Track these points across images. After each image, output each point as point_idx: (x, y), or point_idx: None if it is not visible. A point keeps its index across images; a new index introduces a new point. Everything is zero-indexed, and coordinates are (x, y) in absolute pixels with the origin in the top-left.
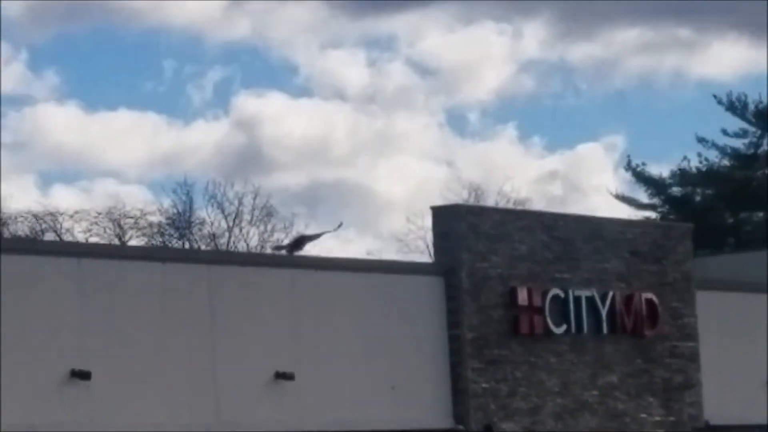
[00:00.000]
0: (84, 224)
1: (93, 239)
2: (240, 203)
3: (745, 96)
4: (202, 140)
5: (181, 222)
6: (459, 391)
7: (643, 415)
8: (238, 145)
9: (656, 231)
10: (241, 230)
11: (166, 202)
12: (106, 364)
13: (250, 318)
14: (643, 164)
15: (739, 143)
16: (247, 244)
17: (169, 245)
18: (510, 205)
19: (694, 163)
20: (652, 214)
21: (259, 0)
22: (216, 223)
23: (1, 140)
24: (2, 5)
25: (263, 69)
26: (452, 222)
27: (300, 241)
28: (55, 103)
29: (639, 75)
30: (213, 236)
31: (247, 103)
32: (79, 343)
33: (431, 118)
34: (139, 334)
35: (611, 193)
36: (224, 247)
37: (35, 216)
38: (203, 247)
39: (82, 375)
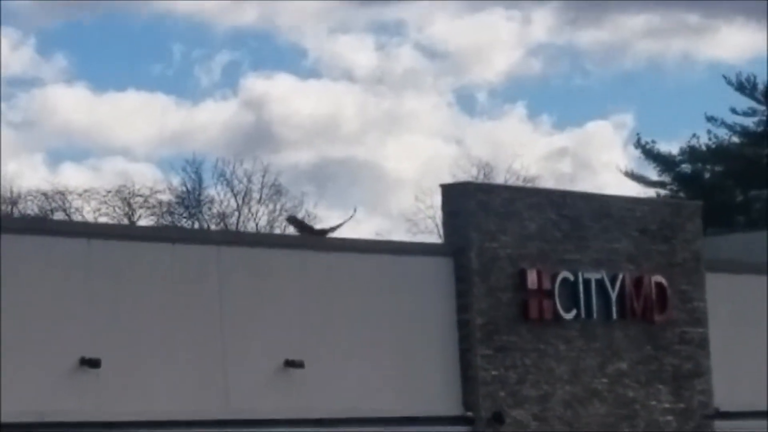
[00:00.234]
0: (93, 203)
1: (102, 219)
2: (249, 181)
3: (755, 76)
4: (210, 119)
5: (191, 201)
6: (468, 379)
7: (653, 403)
8: (246, 124)
9: (665, 209)
10: (249, 210)
11: (175, 181)
12: (114, 351)
13: (259, 303)
14: (653, 141)
15: (748, 122)
16: (257, 224)
17: (178, 225)
18: (519, 183)
19: (703, 141)
20: (661, 192)
21: None
22: (225, 202)
23: (3, 121)
24: None
25: (272, 53)
26: (461, 200)
27: (320, 233)
28: (64, 85)
29: (647, 58)
30: (222, 215)
31: (255, 84)
32: (88, 329)
33: (440, 98)
34: (148, 320)
35: (620, 171)
36: (233, 227)
37: (44, 194)
38: (212, 227)
39: (92, 363)
